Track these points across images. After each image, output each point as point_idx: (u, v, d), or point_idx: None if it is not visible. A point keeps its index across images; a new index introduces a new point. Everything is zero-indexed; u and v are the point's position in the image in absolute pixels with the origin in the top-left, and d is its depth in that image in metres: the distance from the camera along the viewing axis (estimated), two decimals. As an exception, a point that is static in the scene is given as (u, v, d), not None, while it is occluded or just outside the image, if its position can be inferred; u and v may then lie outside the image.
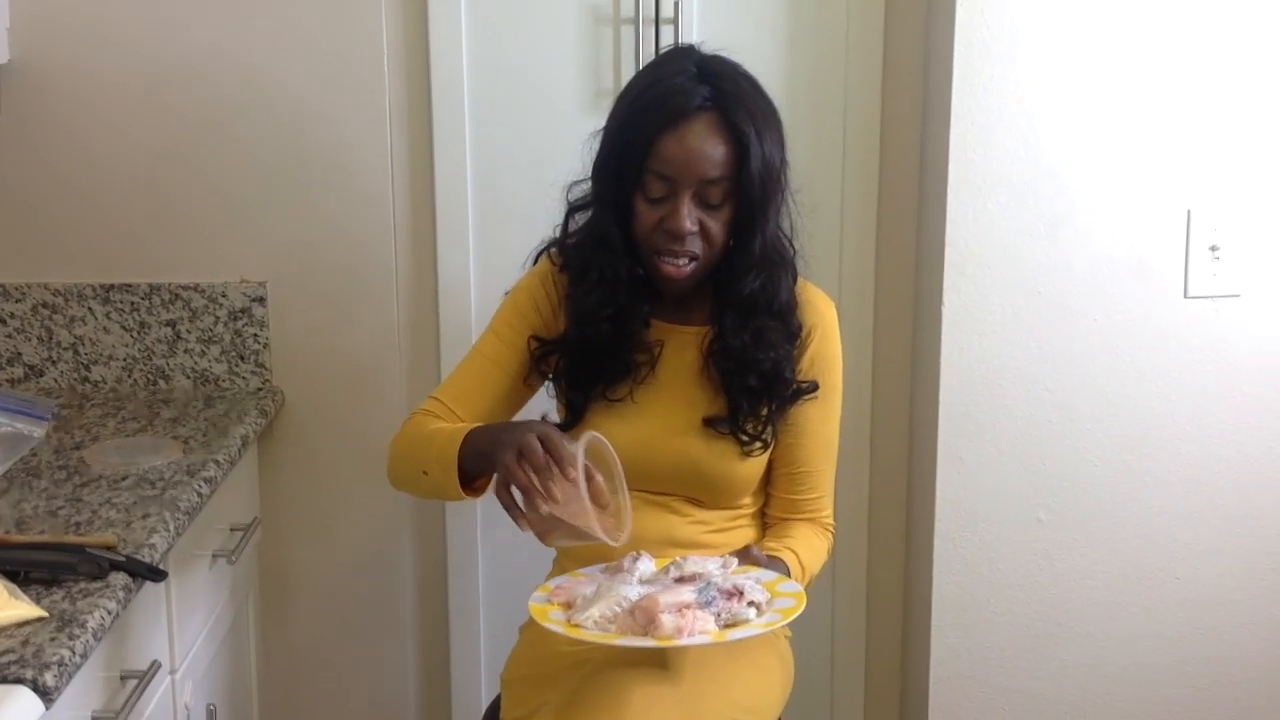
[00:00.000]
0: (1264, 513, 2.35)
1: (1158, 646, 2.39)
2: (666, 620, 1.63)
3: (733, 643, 1.79)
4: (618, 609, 1.68)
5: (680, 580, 1.74)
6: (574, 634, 1.68)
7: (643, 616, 1.65)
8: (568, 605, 1.74)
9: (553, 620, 1.70)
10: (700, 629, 1.64)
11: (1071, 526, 2.34)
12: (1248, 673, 2.41)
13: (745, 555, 1.84)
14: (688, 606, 1.66)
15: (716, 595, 1.70)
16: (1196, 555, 2.36)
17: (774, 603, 1.73)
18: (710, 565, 1.77)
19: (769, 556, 1.91)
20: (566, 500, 1.68)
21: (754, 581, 1.74)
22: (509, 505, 1.72)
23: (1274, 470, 2.34)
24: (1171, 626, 2.38)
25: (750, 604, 1.70)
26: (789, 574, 1.90)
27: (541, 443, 1.70)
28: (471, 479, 1.84)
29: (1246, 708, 2.42)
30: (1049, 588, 2.36)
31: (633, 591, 1.71)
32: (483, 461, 1.80)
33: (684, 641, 1.63)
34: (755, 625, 1.68)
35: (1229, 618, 2.39)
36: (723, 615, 1.68)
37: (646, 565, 1.80)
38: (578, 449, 1.71)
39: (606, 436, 1.80)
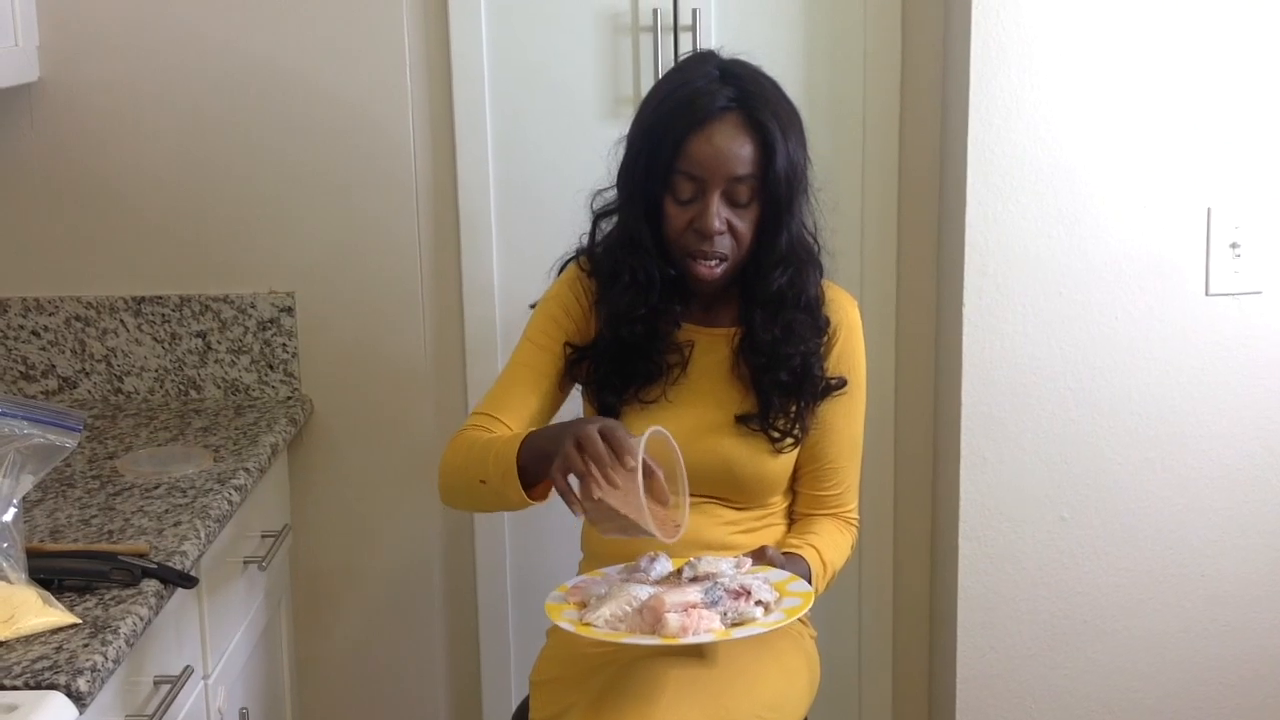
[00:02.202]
0: (1289, 509, 2.35)
1: (1184, 643, 2.39)
2: (672, 619, 1.67)
3: (758, 642, 1.82)
4: (628, 608, 1.72)
5: (694, 580, 1.77)
6: (585, 633, 1.71)
7: (650, 615, 1.69)
8: (582, 604, 1.78)
9: (566, 619, 1.74)
10: (705, 628, 1.68)
11: (1096, 525, 2.35)
12: (1276, 669, 2.40)
13: (760, 555, 1.86)
14: (694, 606, 1.70)
15: (723, 595, 1.73)
16: (1222, 552, 2.36)
17: (782, 602, 1.76)
18: (723, 565, 1.80)
19: (788, 553, 1.93)
20: (623, 490, 1.68)
21: (762, 581, 1.77)
22: (565, 491, 1.72)
23: (1299, 466, 2.34)
24: (1198, 623, 2.38)
25: (758, 603, 1.73)
26: (809, 570, 1.93)
27: (603, 434, 1.70)
28: (532, 483, 1.83)
29: (1273, 705, 2.41)
30: (1074, 586, 2.37)
31: (643, 591, 1.74)
32: (544, 462, 1.79)
33: (688, 639, 1.67)
34: (760, 624, 1.71)
35: (1256, 614, 2.38)
36: (729, 614, 1.71)
37: (663, 565, 1.83)
38: (639, 441, 1.70)
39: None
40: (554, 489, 1.76)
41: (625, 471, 1.68)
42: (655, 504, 1.73)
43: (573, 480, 1.73)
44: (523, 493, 1.82)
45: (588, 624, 1.72)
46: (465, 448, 1.92)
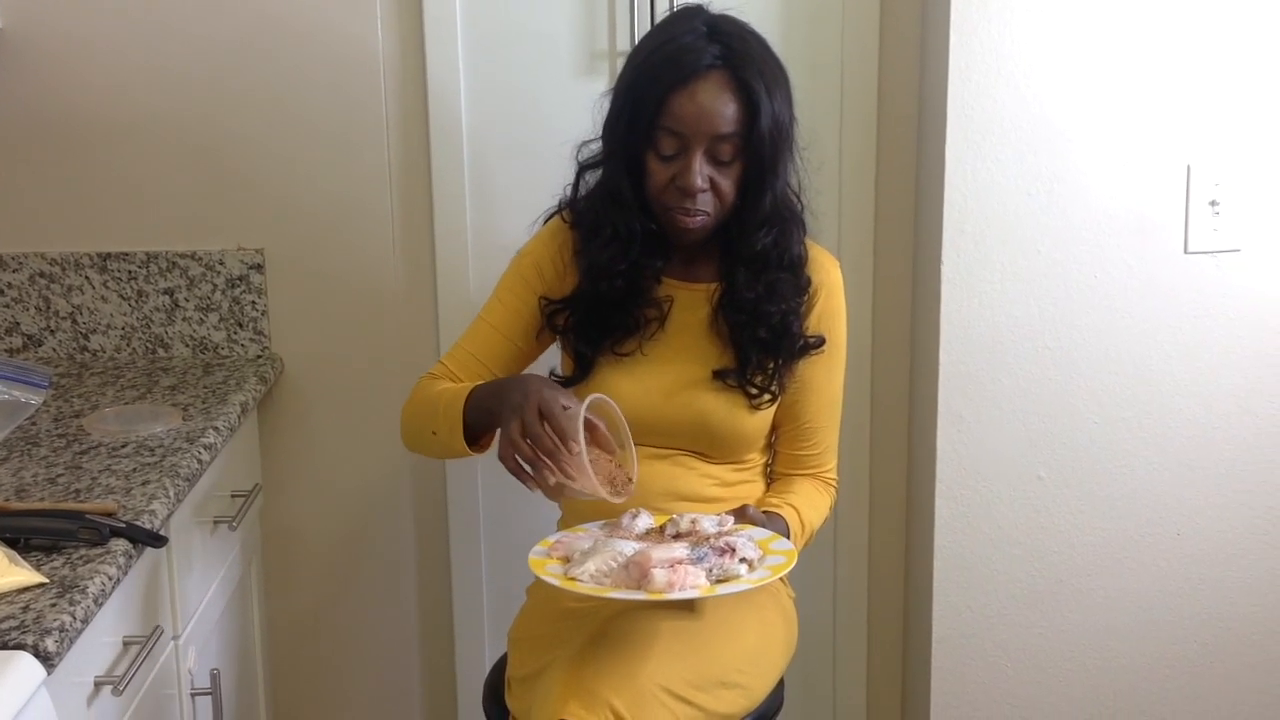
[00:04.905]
0: (1265, 468, 2.35)
1: (1159, 603, 2.39)
2: (658, 575, 1.68)
3: (740, 598, 1.82)
4: (613, 564, 1.72)
5: (677, 537, 1.78)
6: (570, 587, 1.71)
7: (636, 571, 1.70)
8: (565, 560, 1.78)
9: (550, 573, 1.74)
10: (691, 584, 1.68)
11: (1072, 484, 2.34)
12: (1250, 628, 2.41)
13: (742, 514, 1.87)
14: (680, 562, 1.70)
15: (709, 551, 1.74)
16: (1197, 511, 2.36)
17: (766, 560, 1.76)
18: (706, 523, 1.80)
19: (768, 512, 1.93)
20: (573, 471, 1.73)
21: (746, 539, 1.77)
22: (515, 470, 1.77)
23: (1275, 425, 2.34)
24: (1173, 582, 2.38)
25: (742, 560, 1.73)
26: (788, 530, 1.93)
27: (543, 415, 1.74)
28: (477, 436, 1.90)
29: (1248, 664, 2.42)
30: (1050, 545, 2.36)
31: (628, 547, 1.75)
32: (487, 418, 1.87)
33: (674, 595, 1.67)
34: (745, 581, 1.71)
35: (1231, 573, 2.38)
36: (714, 571, 1.72)
37: (645, 521, 1.84)
38: (578, 412, 1.73)
39: (615, 391, 1.88)
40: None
41: (573, 457, 1.73)
42: (604, 455, 1.80)
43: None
44: (466, 447, 1.89)
45: (573, 579, 1.72)
46: (420, 398, 1.98)
